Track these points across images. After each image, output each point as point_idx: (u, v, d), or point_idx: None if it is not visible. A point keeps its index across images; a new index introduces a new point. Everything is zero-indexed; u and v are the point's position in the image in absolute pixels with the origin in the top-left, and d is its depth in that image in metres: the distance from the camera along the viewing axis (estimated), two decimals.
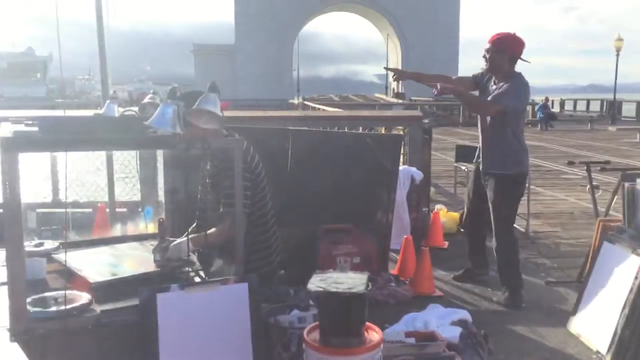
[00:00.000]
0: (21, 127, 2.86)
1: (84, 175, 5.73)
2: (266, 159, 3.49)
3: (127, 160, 5.51)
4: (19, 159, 2.42)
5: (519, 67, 4.22)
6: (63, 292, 2.58)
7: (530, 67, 4.45)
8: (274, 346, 2.80)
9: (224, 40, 60.98)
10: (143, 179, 4.98)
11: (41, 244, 3.36)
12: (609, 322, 3.38)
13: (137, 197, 5.54)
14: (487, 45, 4.18)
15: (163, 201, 4.49)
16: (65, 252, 2.96)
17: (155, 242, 3.22)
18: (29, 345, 2.30)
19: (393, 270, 4.71)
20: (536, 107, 25.85)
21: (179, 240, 3.10)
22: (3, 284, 2.56)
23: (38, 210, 5.56)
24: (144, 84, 55.12)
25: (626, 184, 3.75)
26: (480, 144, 4.41)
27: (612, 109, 30.41)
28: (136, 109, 3.65)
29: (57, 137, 2.66)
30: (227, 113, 3.26)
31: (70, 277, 2.88)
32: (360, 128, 6.55)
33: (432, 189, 7.56)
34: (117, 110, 3.52)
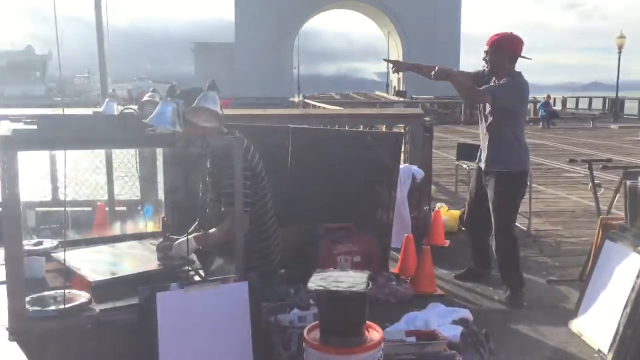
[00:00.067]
0: (20, 126, 2.84)
1: (83, 174, 5.72)
2: (266, 157, 3.48)
3: (126, 159, 5.50)
4: (18, 158, 2.42)
5: (521, 66, 4.22)
6: (62, 291, 2.58)
7: (532, 64, 4.44)
8: (275, 345, 2.79)
9: (224, 38, 61.05)
10: (143, 177, 4.97)
11: (40, 243, 3.36)
12: (611, 321, 3.37)
13: (137, 196, 5.54)
14: (486, 48, 4.18)
15: (163, 200, 4.48)
16: (65, 251, 2.95)
17: (155, 241, 3.22)
18: (28, 344, 2.29)
19: (394, 269, 4.70)
20: (538, 105, 25.82)
21: (182, 238, 3.10)
22: (2, 283, 2.56)
23: (37, 209, 5.57)
24: (143, 83, 55.24)
25: (628, 183, 3.74)
26: (481, 144, 4.40)
27: (615, 107, 30.37)
28: (136, 107, 3.63)
29: (56, 135, 2.65)
30: (227, 111, 3.25)
31: (70, 277, 2.87)
32: (361, 126, 6.54)
33: (434, 188, 7.55)
34: (117, 109, 3.50)
